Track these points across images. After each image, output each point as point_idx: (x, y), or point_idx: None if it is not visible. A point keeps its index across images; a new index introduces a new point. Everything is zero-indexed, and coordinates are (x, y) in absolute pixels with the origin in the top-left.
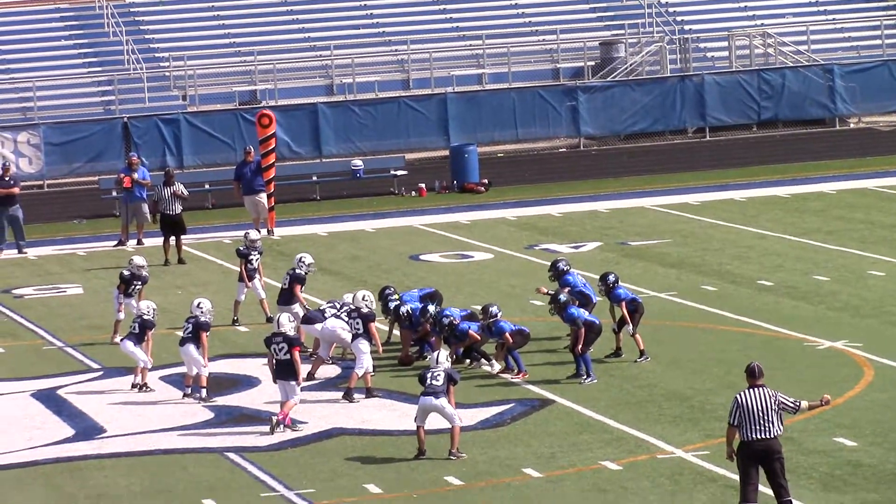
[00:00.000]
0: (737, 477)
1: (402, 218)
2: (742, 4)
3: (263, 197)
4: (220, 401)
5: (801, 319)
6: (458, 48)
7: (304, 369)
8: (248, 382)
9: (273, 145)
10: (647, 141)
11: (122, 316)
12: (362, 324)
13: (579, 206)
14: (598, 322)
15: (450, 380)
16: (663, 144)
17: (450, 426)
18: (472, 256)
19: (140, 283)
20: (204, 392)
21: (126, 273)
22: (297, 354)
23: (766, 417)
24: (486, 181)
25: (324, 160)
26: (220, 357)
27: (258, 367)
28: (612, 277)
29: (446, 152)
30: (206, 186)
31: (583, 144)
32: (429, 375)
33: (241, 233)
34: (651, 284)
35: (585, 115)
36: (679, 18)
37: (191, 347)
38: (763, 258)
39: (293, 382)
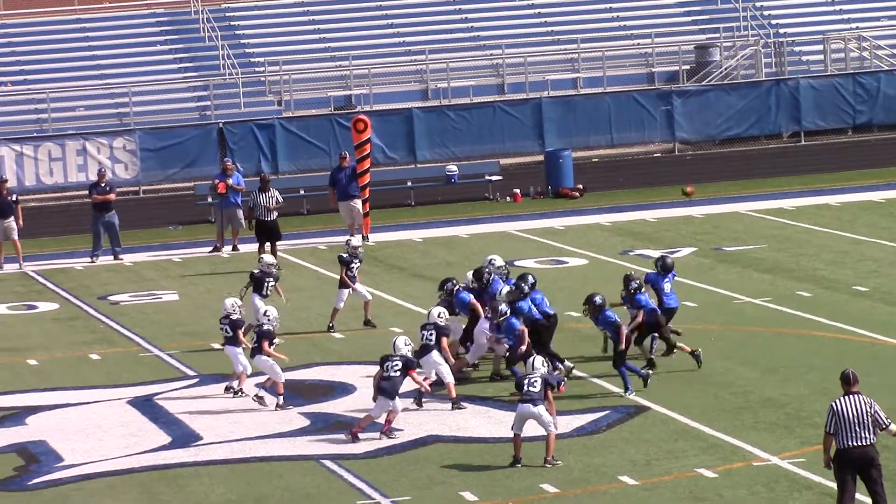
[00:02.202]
0: (833, 484)
1: (497, 223)
2: (837, 8)
3: (358, 203)
4: (316, 408)
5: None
6: (552, 52)
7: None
8: (344, 390)
9: (368, 151)
10: (742, 145)
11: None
12: (436, 336)
13: (674, 212)
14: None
15: (547, 385)
16: (758, 149)
17: (545, 433)
18: (567, 262)
19: (273, 280)
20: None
21: (257, 272)
22: (414, 376)
23: (861, 424)
24: (580, 186)
25: (418, 165)
26: (316, 364)
27: (354, 375)
28: (634, 284)
29: (541, 157)
30: (301, 192)
31: (678, 149)
32: (525, 382)
33: (337, 239)
34: (746, 290)
35: (680, 119)
36: (774, 22)
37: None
38: (858, 263)
39: (391, 401)
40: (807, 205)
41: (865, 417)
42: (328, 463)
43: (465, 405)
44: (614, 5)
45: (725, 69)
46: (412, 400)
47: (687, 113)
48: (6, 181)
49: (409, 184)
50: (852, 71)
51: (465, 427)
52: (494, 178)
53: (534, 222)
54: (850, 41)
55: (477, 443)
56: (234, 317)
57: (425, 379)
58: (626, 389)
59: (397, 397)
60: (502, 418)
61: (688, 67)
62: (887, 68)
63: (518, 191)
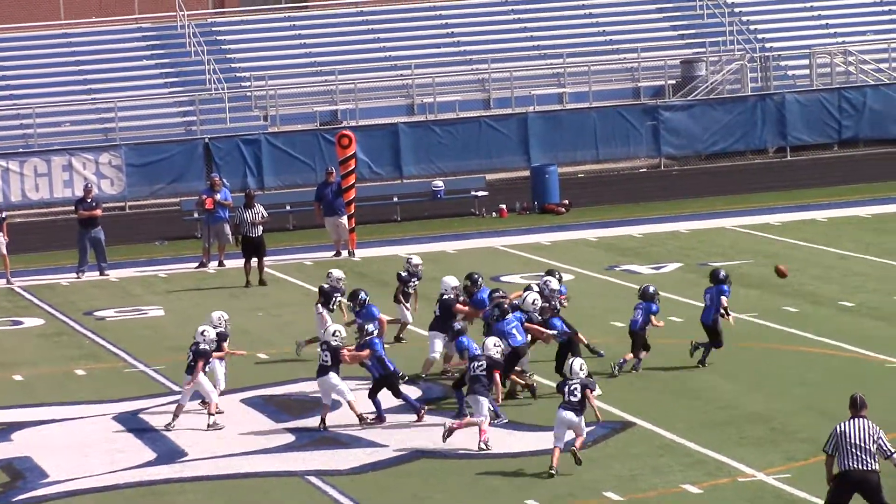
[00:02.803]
0: (819, 500)
1: (483, 239)
2: (823, 22)
3: (344, 218)
4: (301, 423)
5: (883, 340)
6: (538, 67)
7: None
8: (331, 405)
9: (353, 166)
10: (728, 160)
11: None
12: (331, 357)
13: (660, 227)
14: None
15: (585, 388)
16: (744, 164)
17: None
18: None
19: (340, 294)
20: (211, 419)
21: (326, 287)
22: (496, 376)
23: (863, 449)
24: (566, 202)
25: (404, 181)
26: (302, 380)
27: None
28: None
29: (527, 172)
30: (287, 208)
31: (663, 164)
32: (566, 389)
33: (323, 254)
34: (732, 305)
35: (666, 134)
36: (760, 36)
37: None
38: (845, 279)
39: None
40: (793, 220)
41: (868, 443)
42: (313, 479)
43: (370, 421)
44: (600, 20)
45: (711, 84)
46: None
47: (673, 128)
48: None
49: (395, 199)
50: (838, 86)
51: (450, 442)
52: (480, 193)
53: (520, 238)
54: (836, 56)
55: (462, 458)
56: (218, 330)
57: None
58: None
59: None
60: (490, 434)
61: (674, 82)
62: (873, 83)
63: (504, 206)
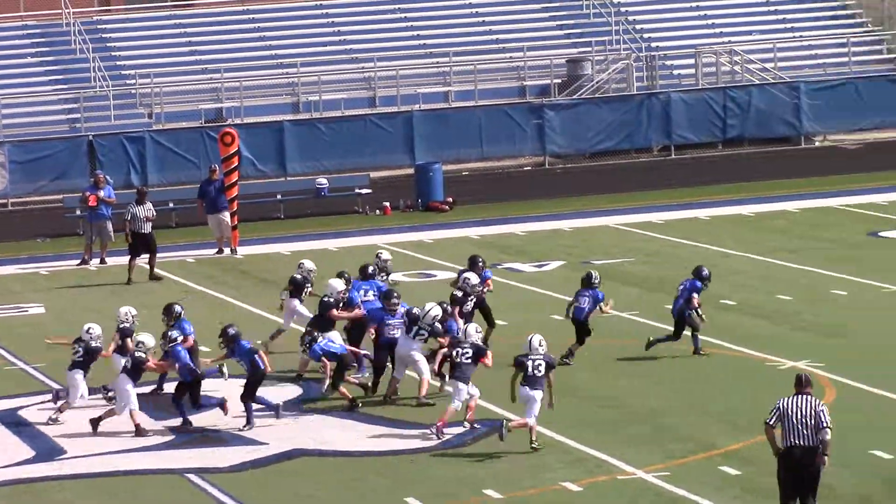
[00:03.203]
0: (697, 498)
1: (367, 237)
2: (709, 22)
3: (227, 216)
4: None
5: (764, 339)
6: (424, 65)
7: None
8: (209, 403)
9: (236, 164)
10: (613, 159)
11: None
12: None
13: (543, 225)
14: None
15: (549, 368)
16: (629, 162)
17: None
18: (436, 276)
19: (310, 285)
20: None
21: (298, 277)
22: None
23: (806, 425)
24: (450, 199)
25: (288, 178)
26: None
27: (222, 388)
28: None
29: (411, 170)
30: (171, 205)
31: (548, 163)
32: (530, 364)
33: (206, 252)
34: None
35: (551, 133)
36: (646, 36)
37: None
38: (727, 277)
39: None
40: (676, 218)
41: (810, 419)
42: (193, 477)
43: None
44: (486, 19)
45: (597, 83)
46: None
47: (558, 126)
48: None
49: (279, 197)
50: (723, 85)
51: (331, 441)
52: (364, 191)
53: (403, 235)
54: (721, 55)
55: (343, 456)
56: (123, 325)
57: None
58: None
59: (470, 383)
60: (368, 431)
61: (559, 81)
62: (758, 82)
63: (388, 204)
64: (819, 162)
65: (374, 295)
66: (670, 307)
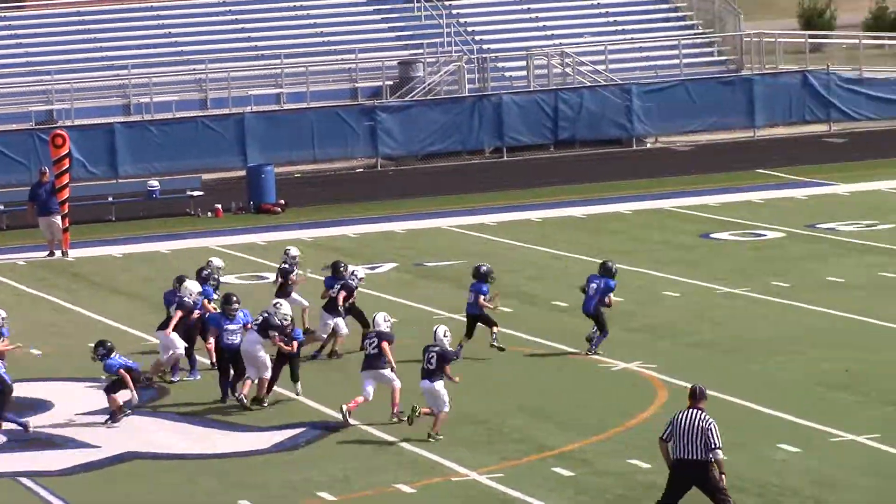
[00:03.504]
0: (531, 499)
1: (199, 239)
2: (540, 24)
3: (58, 218)
4: (13, 425)
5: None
6: (255, 67)
7: None
8: (42, 406)
9: (67, 166)
10: (445, 161)
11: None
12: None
13: (376, 227)
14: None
15: (444, 360)
16: (461, 164)
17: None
18: (268, 278)
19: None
20: None
21: (286, 266)
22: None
23: (690, 439)
24: (282, 202)
25: (120, 181)
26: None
27: (53, 391)
28: None
29: (243, 173)
30: (1, 207)
31: (381, 164)
32: (425, 356)
33: (36, 254)
34: (447, 305)
35: (384, 134)
36: (477, 38)
37: None
38: (560, 279)
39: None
40: (509, 220)
41: (696, 433)
42: (24, 480)
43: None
44: (318, 21)
45: (429, 85)
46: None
47: (390, 128)
48: None
49: (111, 199)
50: (555, 87)
51: (163, 444)
52: (196, 193)
53: (235, 238)
54: (552, 57)
55: (176, 459)
56: None
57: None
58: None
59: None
60: (203, 434)
61: (391, 83)
62: (590, 84)
63: (220, 206)
64: (651, 164)
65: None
66: (503, 308)
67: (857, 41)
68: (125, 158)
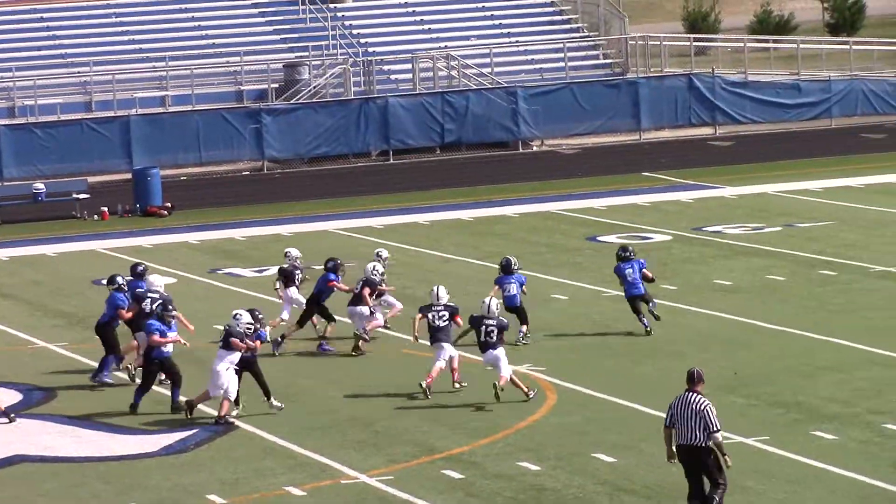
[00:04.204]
0: (421, 502)
1: (84, 242)
2: (426, 27)
3: None
4: None
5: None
6: (141, 70)
7: None
8: None
9: None
10: (332, 164)
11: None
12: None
13: (263, 230)
14: None
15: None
16: (347, 167)
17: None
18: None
19: (300, 272)
20: None
21: (287, 266)
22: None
23: (689, 424)
24: (169, 204)
25: (4, 183)
26: None
27: None
28: None
29: (129, 175)
30: None
31: (266, 167)
32: (483, 329)
33: None
34: (333, 309)
35: (269, 137)
36: (363, 41)
37: None
38: (447, 282)
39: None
40: (396, 223)
41: (693, 417)
42: None
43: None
44: (203, 23)
45: (314, 87)
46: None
47: (276, 131)
48: None
49: None
50: (441, 90)
51: (52, 447)
52: (82, 196)
53: (122, 241)
54: (438, 60)
55: (65, 462)
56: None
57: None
58: None
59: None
60: (91, 438)
61: (277, 86)
62: (476, 87)
63: (106, 209)
64: (537, 167)
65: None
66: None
67: (741, 44)
68: (10, 161)
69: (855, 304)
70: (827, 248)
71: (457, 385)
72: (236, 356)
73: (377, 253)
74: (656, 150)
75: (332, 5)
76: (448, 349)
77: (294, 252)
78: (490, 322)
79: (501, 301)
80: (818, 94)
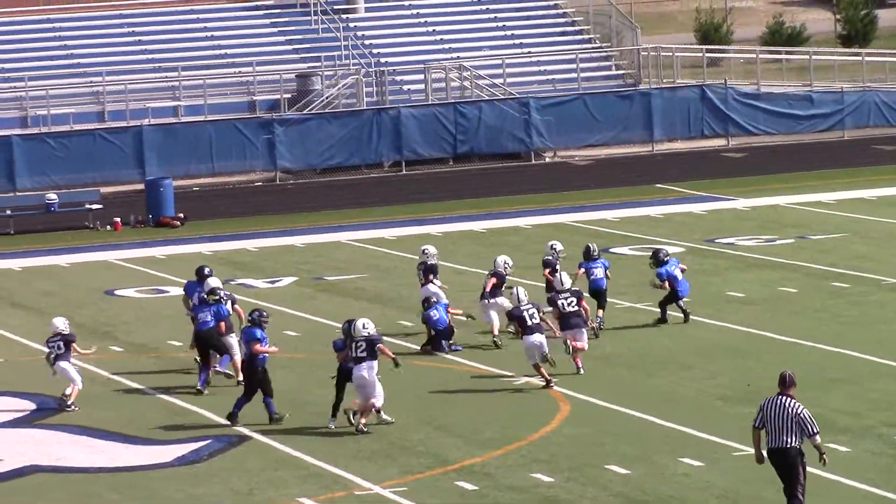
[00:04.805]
0: None
1: (98, 252)
2: (438, 38)
3: None
4: None
5: (499, 354)
6: (153, 80)
7: None
8: None
9: None
10: (344, 175)
11: None
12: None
13: (275, 241)
14: None
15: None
16: (360, 178)
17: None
18: (168, 291)
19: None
20: None
21: (431, 262)
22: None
23: (780, 427)
24: (181, 215)
25: (17, 193)
26: None
27: None
28: None
29: (142, 186)
30: None
31: (279, 178)
32: (526, 313)
33: None
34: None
35: (282, 148)
36: (375, 51)
37: None
38: (460, 293)
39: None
40: (408, 234)
41: (788, 421)
42: None
43: None
44: (215, 33)
45: (327, 98)
46: None
47: (288, 142)
48: None
49: (9, 212)
50: (453, 100)
51: (65, 457)
52: (95, 206)
53: (134, 251)
54: (450, 71)
55: (77, 472)
56: (65, 332)
57: None
58: None
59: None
60: (104, 448)
61: (289, 96)
62: (488, 98)
63: (119, 219)
64: (550, 178)
65: None
66: (404, 322)
67: (754, 56)
68: (23, 171)
69: (867, 316)
70: (839, 261)
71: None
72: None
73: (551, 245)
74: (669, 162)
75: (344, 16)
76: None
77: (431, 249)
78: (531, 307)
79: (587, 284)
80: (831, 106)
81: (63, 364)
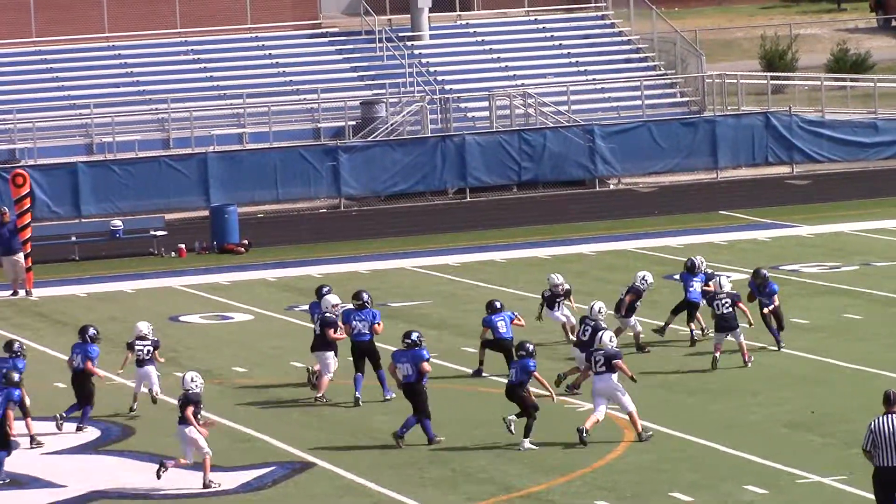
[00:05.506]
0: None
1: (162, 279)
2: (503, 65)
3: (21, 257)
4: None
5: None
6: (218, 107)
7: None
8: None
9: (28, 205)
10: (408, 201)
11: None
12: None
13: (340, 267)
14: None
15: (613, 359)
16: (424, 205)
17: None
18: (233, 318)
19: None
20: None
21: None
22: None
23: (891, 445)
24: (246, 242)
25: (83, 220)
26: None
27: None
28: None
29: (206, 212)
30: None
31: (343, 205)
32: (593, 360)
33: (2, 294)
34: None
35: (346, 175)
36: (440, 78)
37: None
38: (523, 320)
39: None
40: (472, 261)
41: None
42: None
43: None
44: (280, 60)
45: (391, 125)
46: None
47: (353, 168)
48: None
49: (74, 238)
50: (518, 127)
51: (129, 483)
52: (159, 233)
53: (199, 277)
54: (515, 98)
55: (141, 498)
56: (152, 338)
57: None
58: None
59: None
60: (169, 474)
61: (354, 123)
62: (553, 125)
63: (183, 246)
64: (614, 205)
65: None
66: (467, 349)
67: (818, 83)
68: (88, 198)
69: None
70: None
71: None
72: None
73: (642, 277)
74: (733, 189)
75: (409, 43)
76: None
77: (557, 278)
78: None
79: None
80: (895, 134)
81: (148, 368)
